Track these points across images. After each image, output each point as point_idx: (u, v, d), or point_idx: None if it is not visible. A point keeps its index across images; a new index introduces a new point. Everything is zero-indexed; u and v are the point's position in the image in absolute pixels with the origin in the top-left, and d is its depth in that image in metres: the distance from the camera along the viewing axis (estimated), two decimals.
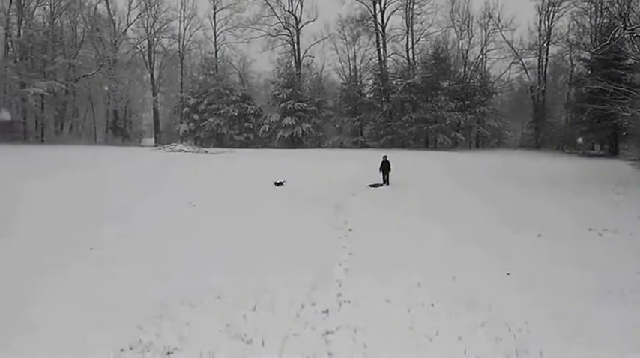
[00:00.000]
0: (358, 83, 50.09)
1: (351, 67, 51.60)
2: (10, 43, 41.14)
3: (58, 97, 42.89)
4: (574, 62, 47.49)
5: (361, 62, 51.32)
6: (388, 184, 21.23)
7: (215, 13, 52.14)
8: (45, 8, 42.82)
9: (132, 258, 10.11)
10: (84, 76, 43.89)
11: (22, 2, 40.23)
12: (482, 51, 49.29)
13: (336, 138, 49.10)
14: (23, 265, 9.37)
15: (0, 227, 11.93)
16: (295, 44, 51.64)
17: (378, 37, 49.86)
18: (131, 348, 6.37)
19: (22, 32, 40.73)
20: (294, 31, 51.47)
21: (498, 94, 52.07)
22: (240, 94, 49.20)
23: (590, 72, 40.68)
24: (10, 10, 39.79)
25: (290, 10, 51.13)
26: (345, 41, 51.00)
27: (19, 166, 22.80)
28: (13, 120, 39.48)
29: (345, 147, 47.01)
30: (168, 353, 6.30)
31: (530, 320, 7.25)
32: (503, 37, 48.48)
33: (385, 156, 22.03)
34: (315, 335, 6.80)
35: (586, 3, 39.16)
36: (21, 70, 39.01)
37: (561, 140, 47.43)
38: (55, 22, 43.42)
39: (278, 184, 20.56)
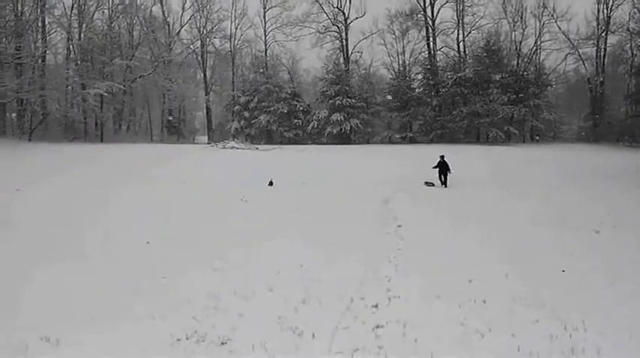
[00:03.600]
0: (407, 78, 49.54)
1: (400, 61, 51.20)
2: (71, 46, 43.28)
3: (116, 97, 44.72)
4: (635, 52, 45.28)
5: (410, 57, 50.81)
6: (446, 186, 20.02)
7: (265, 12, 52.83)
8: (103, 12, 44.73)
9: (186, 250, 10.48)
10: (140, 76, 45.52)
11: (83, 7, 42.15)
12: (536, 42, 47.85)
13: (384, 134, 48.76)
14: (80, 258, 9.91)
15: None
16: (344, 40, 51.63)
17: (427, 30, 49.14)
18: (187, 338, 6.60)
19: (82, 35, 42.71)
20: (343, 28, 51.45)
21: (553, 87, 50.31)
22: (289, 92, 49.68)
23: None
24: (71, 14, 41.82)
25: (339, 6, 51.16)
26: (393, 36, 50.64)
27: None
28: (74, 121, 41.48)
29: (394, 143, 46.66)
30: (222, 344, 6.47)
31: (587, 319, 7.05)
32: (559, 28, 46.92)
33: (442, 156, 20.64)
34: (364, 329, 6.86)
35: None
36: (82, 71, 40.94)
37: (621, 133, 45.33)
38: (112, 24, 45.22)
39: (270, 184, 19.95)
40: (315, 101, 50.85)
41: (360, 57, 52.55)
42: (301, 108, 49.47)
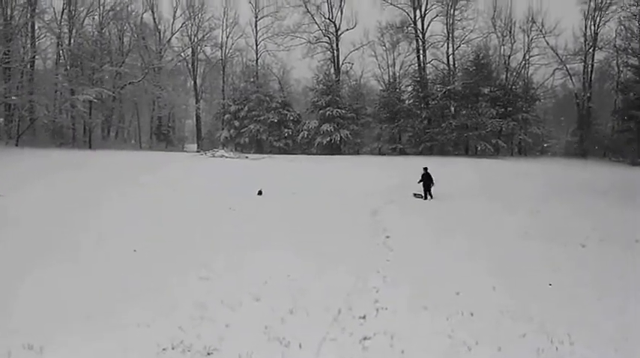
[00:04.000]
0: (397, 90, 49.81)
1: (390, 73, 51.48)
2: (61, 52, 43.04)
3: (106, 104, 44.43)
4: (621, 68, 46.05)
5: (400, 69, 51.14)
6: (432, 198, 20.12)
7: (257, 21, 52.99)
8: (94, 18, 44.58)
9: (173, 258, 10.38)
10: (130, 83, 45.32)
11: (73, 12, 41.98)
12: (524, 57, 48.37)
13: (374, 145, 48.92)
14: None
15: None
16: (335, 51, 51.89)
17: (417, 43, 49.58)
18: (173, 348, 6.52)
19: (72, 41, 42.49)
20: (334, 38, 51.74)
21: (541, 101, 50.84)
22: (279, 101, 49.73)
23: (638, 78, 39.31)
24: (61, 19, 41.65)
25: (330, 17, 51.49)
26: (384, 48, 50.92)
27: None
28: (63, 126, 41.15)
29: (384, 154, 46.80)
30: (208, 354, 6.41)
31: (574, 333, 7.06)
32: (547, 43, 47.48)
33: (426, 169, 20.63)
34: (352, 341, 6.82)
35: (635, 7, 37.98)
36: (71, 77, 40.69)
37: (608, 148, 45.89)
38: (103, 31, 45.06)
39: (259, 193, 19.87)
40: (306, 111, 50.95)
41: (351, 68, 52.82)
42: (291, 118, 49.50)
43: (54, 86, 40.40)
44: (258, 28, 53.14)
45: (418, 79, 48.24)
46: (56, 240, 11.33)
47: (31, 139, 37.96)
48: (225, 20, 53.50)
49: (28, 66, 38.94)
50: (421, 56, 49.46)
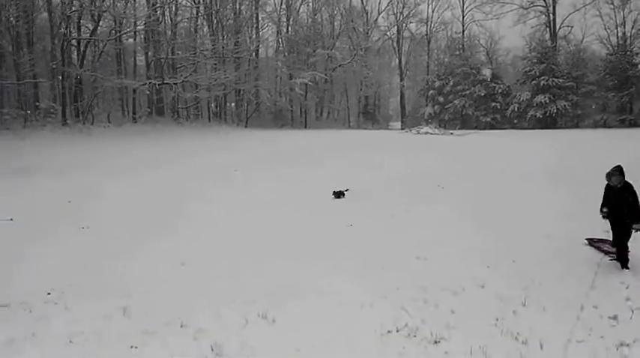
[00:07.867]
0: (628, 52, 43.61)
1: (620, 34, 45.30)
2: (280, 40, 47.24)
3: (319, 86, 47.59)
4: None
5: (632, 28, 44.68)
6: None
7: None
8: (308, 5, 47.93)
9: (392, 239, 10.60)
10: (340, 65, 47.72)
11: (290, 2, 45.59)
12: None
13: (597, 117, 43.76)
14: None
15: None
16: (550, 15, 47.63)
17: None
18: (397, 331, 6.40)
19: (289, 29, 46.28)
20: (550, 1, 47.31)
21: None
22: (487, 73, 47.46)
23: None
24: (280, 9, 45.66)
25: None
26: (612, 6, 45.01)
27: None
28: (282, 109, 45.42)
29: (609, 127, 41.50)
30: (436, 342, 6.12)
31: None
32: None
33: (619, 171, 8.18)
34: (605, 345, 6.10)
35: None
36: (289, 63, 44.49)
37: None
38: (316, 17, 48.06)
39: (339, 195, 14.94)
40: (516, 82, 48.07)
41: (570, 32, 48.07)
42: (500, 91, 47.11)
43: (274, 72, 44.61)
44: None
45: None
46: None
47: (257, 121, 42.62)
48: None
49: (254, 54, 43.54)
50: None
